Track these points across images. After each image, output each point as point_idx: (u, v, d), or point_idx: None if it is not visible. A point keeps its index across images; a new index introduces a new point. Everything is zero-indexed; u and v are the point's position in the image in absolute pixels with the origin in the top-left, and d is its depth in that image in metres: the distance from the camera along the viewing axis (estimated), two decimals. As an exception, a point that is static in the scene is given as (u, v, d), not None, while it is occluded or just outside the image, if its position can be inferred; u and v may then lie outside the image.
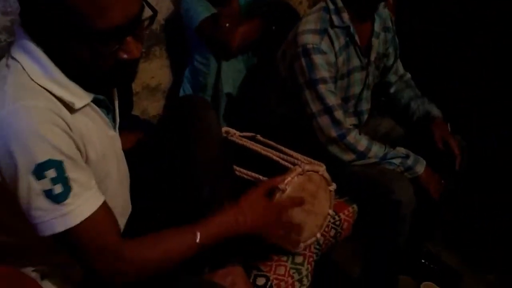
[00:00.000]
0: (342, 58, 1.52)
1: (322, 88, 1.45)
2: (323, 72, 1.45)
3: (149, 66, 1.99)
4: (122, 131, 1.06)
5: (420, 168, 1.50)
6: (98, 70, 0.84)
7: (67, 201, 0.80)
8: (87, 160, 0.87)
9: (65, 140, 0.81)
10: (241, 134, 1.43)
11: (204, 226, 0.96)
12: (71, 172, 0.80)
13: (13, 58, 0.84)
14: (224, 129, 1.46)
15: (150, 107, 2.05)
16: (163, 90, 2.07)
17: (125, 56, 0.83)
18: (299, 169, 1.20)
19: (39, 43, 0.82)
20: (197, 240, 0.93)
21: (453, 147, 1.57)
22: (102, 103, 0.94)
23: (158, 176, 1.18)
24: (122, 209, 1.05)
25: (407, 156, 1.50)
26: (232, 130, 1.44)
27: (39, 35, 0.82)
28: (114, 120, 1.01)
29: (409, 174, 1.50)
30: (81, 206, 0.81)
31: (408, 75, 1.80)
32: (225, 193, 1.14)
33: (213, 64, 1.78)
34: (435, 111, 1.67)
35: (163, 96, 2.07)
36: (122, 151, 1.06)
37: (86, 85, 0.87)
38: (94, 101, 0.90)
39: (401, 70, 1.79)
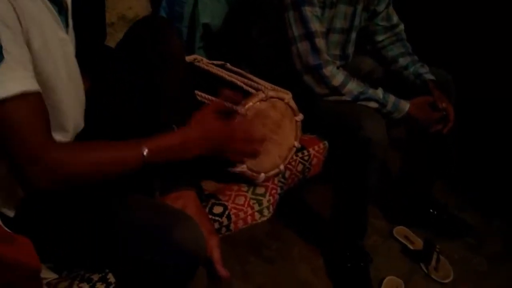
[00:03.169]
0: None
1: (307, 10, 1.38)
2: None
3: (125, -5, 1.90)
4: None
5: (404, 107, 1.44)
6: None
7: None
8: (28, 45, 0.81)
9: (7, 9, 0.76)
10: (210, 61, 1.37)
11: (152, 141, 0.91)
12: (8, 44, 0.75)
13: None
14: (193, 56, 1.41)
15: (126, 39, 1.97)
16: (140, 21, 1.98)
17: None
18: (262, 95, 1.14)
19: None
20: (144, 153, 0.89)
21: (450, 114, 1.50)
22: None
23: (116, 98, 1.14)
24: (74, 123, 1.01)
25: (383, 104, 1.42)
26: (200, 57, 1.38)
27: None
28: (66, 23, 0.96)
29: (396, 116, 1.44)
30: (11, 81, 0.76)
31: (401, 27, 1.68)
32: (184, 117, 1.08)
33: None
34: (429, 75, 1.58)
35: (140, 28, 1.98)
36: (75, 60, 1.00)
37: None
38: None
39: (394, 19, 1.68)
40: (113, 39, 1.91)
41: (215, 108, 1.04)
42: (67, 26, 0.97)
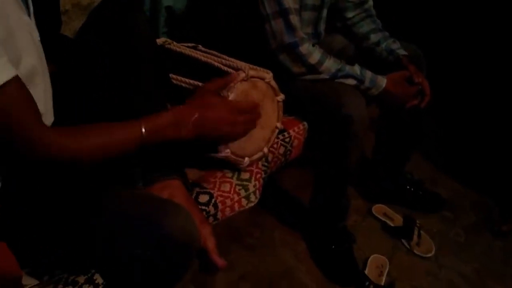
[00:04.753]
0: None
1: None
2: None
3: (79, -20, 1.78)
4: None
5: (381, 83, 1.42)
6: None
7: None
8: None
9: None
10: (181, 44, 1.30)
11: (149, 120, 0.88)
12: None
13: None
14: (162, 39, 1.32)
15: (82, 27, 1.85)
16: (97, 8, 1.87)
17: None
18: (242, 74, 1.09)
19: None
20: (142, 131, 0.85)
21: (426, 88, 1.50)
22: None
23: (84, 91, 1.06)
24: (45, 113, 0.92)
25: (361, 80, 1.40)
26: (170, 40, 1.30)
27: None
28: (27, 6, 0.89)
29: (373, 92, 1.42)
30: None
31: (370, 3, 1.66)
32: (157, 101, 1.04)
33: None
34: (402, 50, 1.56)
35: (97, 14, 1.87)
36: (41, 45, 0.92)
37: None
38: None
39: None
40: (68, 28, 1.80)
41: (211, 88, 1.02)
42: (28, 10, 0.89)
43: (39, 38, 0.92)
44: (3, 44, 0.76)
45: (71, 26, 1.83)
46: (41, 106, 0.91)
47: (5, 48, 0.77)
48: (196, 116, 0.93)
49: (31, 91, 0.85)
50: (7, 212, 0.86)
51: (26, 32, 0.85)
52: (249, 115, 1.07)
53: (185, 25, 1.74)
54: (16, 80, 0.73)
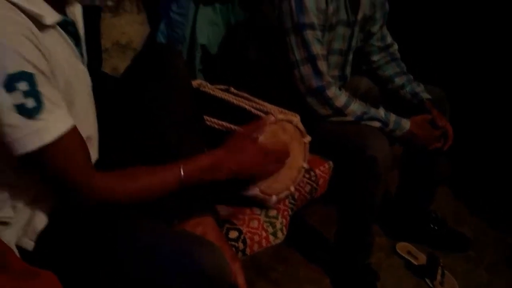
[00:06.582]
0: (333, 7, 1.47)
1: (309, 34, 1.41)
2: (312, 17, 1.41)
3: (119, 21, 1.90)
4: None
5: (405, 125, 1.47)
6: None
7: (40, 116, 0.77)
8: (56, 84, 0.84)
9: (37, 55, 0.78)
10: (214, 86, 1.38)
11: (188, 163, 0.96)
12: (43, 88, 0.77)
13: None
14: (197, 81, 1.41)
15: (120, 65, 1.96)
16: (134, 47, 1.98)
17: None
18: (272, 118, 1.15)
19: None
20: (182, 174, 0.93)
21: (449, 132, 1.55)
22: (70, 28, 0.92)
23: (125, 130, 1.13)
24: (91, 153, 1.00)
25: (386, 122, 1.46)
26: (205, 82, 1.39)
27: None
28: (82, 55, 0.98)
29: (397, 133, 1.47)
30: (54, 123, 0.79)
31: (395, 46, 1.73)
32: (193, 142, 1.11)
33: (191, 14, 1.72)
34: (425, 94, 1.62)
35: (134, 53, 1.98)
36: (92, 92, 1.02)
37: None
38: (62, 27, 0.88)
39: (388, 39, 1.73)
40: (108, 64, 1.92)
41: (246, 133, 1.09)
42: (82, 57, 0.99)
43: (91, 84, 1.02)
44: (64, 94, 0.86)
45: (110, 63, 1.95)
46: (92, 149, 1.00)
47: (64, 94, 0.86)
48: (231, 160, 1.00)
49: (84, 135, 0.94)
50: (53, 243, 0.93)
51: (81, 80, 0.95)
52: (278, 155, 1.14)
53: (218, 64, 1.83)
54: (73, 129, 0.82)
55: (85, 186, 0.84)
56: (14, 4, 0.79)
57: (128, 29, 1.94)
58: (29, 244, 0.92)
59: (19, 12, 0.79)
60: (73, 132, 0.82)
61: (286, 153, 1.18)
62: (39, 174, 0.85)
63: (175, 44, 1.79)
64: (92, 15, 1.72)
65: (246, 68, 1.69)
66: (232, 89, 1.38)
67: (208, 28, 1.77)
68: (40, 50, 0.79)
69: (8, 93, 0.74)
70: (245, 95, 1.33)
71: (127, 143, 1.12)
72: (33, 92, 0.76)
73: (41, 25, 0.82)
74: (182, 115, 1.11)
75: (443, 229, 1.83)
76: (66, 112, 0.82)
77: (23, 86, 0.75)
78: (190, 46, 1.77)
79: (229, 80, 1.56)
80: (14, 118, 0.76)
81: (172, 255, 0.88)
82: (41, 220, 0.93)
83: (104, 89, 1.29)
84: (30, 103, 0.76)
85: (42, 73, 0.78)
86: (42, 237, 0.93)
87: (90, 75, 1.02)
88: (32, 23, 0.80)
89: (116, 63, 1.95)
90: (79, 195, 0.84)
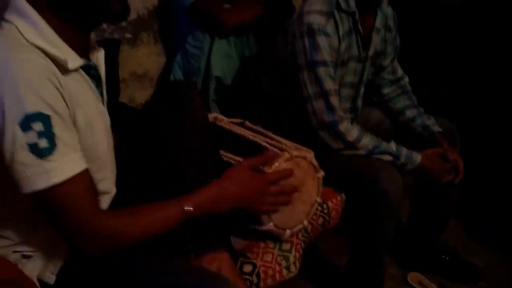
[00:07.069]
0: (345, 44, 1.51)
1: (321, 71, 1.44)
2: (325, 55, 1.44)
3: (136, 53, 1.96)
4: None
5: (416, 159, 1.49)
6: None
7: (51, 157, 0.79)
8: (75, 125, 0.87)
9: (56, 97, 0.81)
10: (230, 120, 1.42)
11: (189, 198, 0.97)
12: (59, 130, 0.80)
13: (6, 21, 0.84)
14: (213, 115, 1.45)
15: (137, 94, 2.02)
16: (151, 77, 2.04)
17: None
18: (286, 155, 1.18)
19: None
20: (184, 209, 0.94)
21: (459, 165, 1.57)
22: (92, 72, 0.95)
23: (143, 161, 1.17)
24: (108, 189, 1.04)
25: (397, 156, 1.48)
26: (220, 116, 1.43)
27: None
28: (102, 95, 1.02)
29: (409, 167, 1.50)
30: (64, 165, 0.81)
31: (406, 79, 1.76)
32: (210, 176, 1.12)
33: (207, 46, 1.78)
34: (436, 127, 1.65)
35: (151, 83, 2.04)
36: (110, 130, 1.05)
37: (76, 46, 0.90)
38: (85, 70, 0.92)
39: (399, 72, 1.76)
40: (125, 94, 1.97)
41: (250, 164, 1.10)
42: (102, 97, 1.02)
43: (110, 123, 1.05)
44: (84, 134, 0.89)
45: (127, 93, 2.00)
46: (109, 185, 1.04)
47: (84, 136, 0.89)
48: (230, 191, 1.02)
49: (101, 174, 0.97)
50: (74, 276, 0.97)
51: (101, 120, 0.99)
52: (283, 186, 1.14)
53: (231, 95, 1.88)
54: (84, 173, 0.84)
55: (87, 230, 0.85)
56: (39, 48, 0.83)
57: (145, 60, 2.00)
58: (51, 278, 0.95)
59: (43, 55, 0.83)
60: (85, 176, 0.84)
61: (293, 186, 1.17)
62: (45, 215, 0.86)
63: (190, 76, 1.85)
64: (111, 47, 1.78)
65: (259, 100, 1.73)
66: (247, 123, 1.41)
67: (222, 61, 1.82)
68: (60, 93, 0.82)
69: (23, 132, 0.77)
70: (260, 129, 1.36)
71: (143, 169, 1.15)
72: (47, 133, 0.79)
73: (64, 68, 0.86)
74: (196, 141, 1.14)
75: (455, 260, 1.83)
76: (80, 156, 0.85)
77: (38, 126, 0.78)
78: (205, 77, 1.83)
79: (242, 111, 1.61)
80: (26, 156, 0.78)
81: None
82: (61, 255, 0.96)
83: (121, 119, 1.34)
84: (42, 143, 0.78)
85: (60, 115, 0.81)
86: (63, 271, 0.96)
87: (108, 105, 1.05)
88: (56, 66, 0.84)
89: (133, 93, 2.01)
90: (81, 240, 0.85)
